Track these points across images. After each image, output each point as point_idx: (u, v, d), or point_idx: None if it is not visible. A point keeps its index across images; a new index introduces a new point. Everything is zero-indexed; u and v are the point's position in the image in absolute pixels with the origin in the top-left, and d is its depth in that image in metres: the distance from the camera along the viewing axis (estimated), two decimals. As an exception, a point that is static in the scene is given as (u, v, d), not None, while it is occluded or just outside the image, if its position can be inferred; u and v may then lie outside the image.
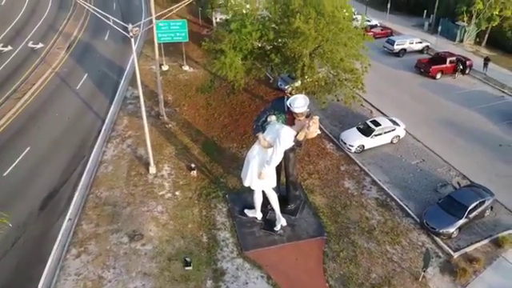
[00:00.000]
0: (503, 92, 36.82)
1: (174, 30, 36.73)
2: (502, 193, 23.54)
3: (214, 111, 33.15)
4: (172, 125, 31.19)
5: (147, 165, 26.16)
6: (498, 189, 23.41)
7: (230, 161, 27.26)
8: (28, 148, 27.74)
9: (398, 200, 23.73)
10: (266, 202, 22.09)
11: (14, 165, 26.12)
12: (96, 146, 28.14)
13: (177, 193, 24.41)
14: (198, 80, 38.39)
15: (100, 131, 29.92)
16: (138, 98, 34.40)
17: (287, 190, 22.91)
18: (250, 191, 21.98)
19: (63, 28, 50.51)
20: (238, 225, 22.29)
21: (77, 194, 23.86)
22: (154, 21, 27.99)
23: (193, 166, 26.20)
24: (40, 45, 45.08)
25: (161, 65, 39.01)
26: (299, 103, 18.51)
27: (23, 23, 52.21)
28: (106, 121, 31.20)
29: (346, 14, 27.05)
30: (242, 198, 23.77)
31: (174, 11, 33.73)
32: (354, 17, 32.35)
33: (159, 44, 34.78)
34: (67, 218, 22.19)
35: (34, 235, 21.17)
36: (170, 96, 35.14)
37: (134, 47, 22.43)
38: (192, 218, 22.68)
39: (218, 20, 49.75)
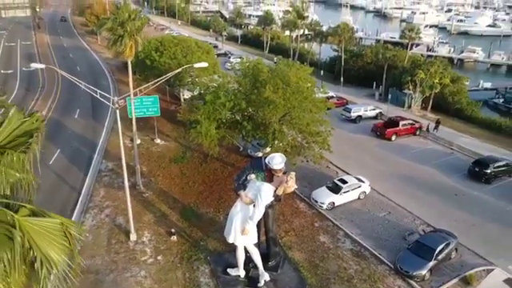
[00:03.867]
0: (452, 149, 40.68)
1: (147, 105, 38.69)
2: (463, 236, 25.69)
3: (189, 180, 34.34)
4: (149, 194, 32.00)
5: (127, 232, 26.57)
6: (459, 233, 25.55)
7: (208, 225, 28.13)
8: (3, 223, 27.48)
9: (371, 249, 25.27)
10: (247, 260, 22.93)
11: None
12: (73, 217, 28.29)
13: (159, 257, 24.79)
14: (171, 152, 39.86)
15: (77, 203, 30.22)
16: (112, 170, 35.68)
17: (267, 246, 23.90)
18: (231, 251, 22.82)
19: (32, 108, 51.43)
20: (222, 284, 22.74)
21: (57, 264, 23.71)
22: (132, 97, 29.89)
23: (173, 231, 26.89)
24: (9, 125, 45.50)
25: (132, 139, 40.35)
26: (277, 160, 20.35)
27: (-10, 105, 52.78)
28: (83, 192, 31.59)
29: (309, 84, 30.20)
30: (224, 258, 24.44)
31: (144, 91, 35.97)
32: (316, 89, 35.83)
33: (131, 119, 36.45)
34: (48, 289, 21.93)
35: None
36: (144, 167, 36.15)
37: (118, 117, 24.01)
38: (176, 280, 23.01)
39: (185, 96, 52.49)
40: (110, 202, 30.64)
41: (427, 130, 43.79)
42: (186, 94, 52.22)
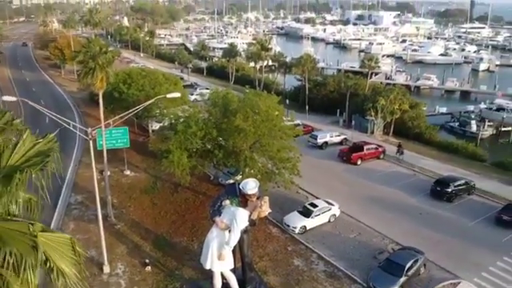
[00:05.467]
0: (414, 171, 42.62)
1: (116, 136, 38.55)
2: (430, 252, 26.95)
3: (161, 210, 34.27)
4: (121, 225, 31.70)
5: (100, 265, 26.20)
6: (426, 249, 26.83)
7: (182, 253, 28.13)
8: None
9: (344, 270, 26.09)
10: (223, 287, 23.06)
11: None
12: (44, 253, 27.61)
13: (134, 289, 24.57)
14: (141, 183, 39.69)
15: (46, 238, 29.51)
16: (82, 203, 35.18)
17: (243, 272, 24.03)
18: (207, 279, 22.89)
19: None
20: (200, 312, 22.72)
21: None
22: (103, 128, 30.01)
23: (147, 261, 26.73)
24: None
25: (102, 171, 39.98)
26: (251, 185, 20.82)
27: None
28: (52, 226, 30.82)
29: (277, 112, 31.35)
30: (200, 286, 24.41)
31: (114, 123, 36.20)
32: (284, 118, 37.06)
33: (100, 151, 36.25)
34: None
35: None
36: (115, 199, 35.80)
37: (92, 149, 24.15)
38: (152, 311, 22.82)
39: (153, 128, 52.59)
40: (81, 235, 30.11)
41: (401, 153, 45.53)
42: (154, 126, 52.36)
